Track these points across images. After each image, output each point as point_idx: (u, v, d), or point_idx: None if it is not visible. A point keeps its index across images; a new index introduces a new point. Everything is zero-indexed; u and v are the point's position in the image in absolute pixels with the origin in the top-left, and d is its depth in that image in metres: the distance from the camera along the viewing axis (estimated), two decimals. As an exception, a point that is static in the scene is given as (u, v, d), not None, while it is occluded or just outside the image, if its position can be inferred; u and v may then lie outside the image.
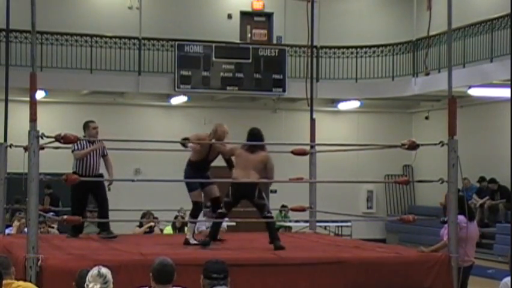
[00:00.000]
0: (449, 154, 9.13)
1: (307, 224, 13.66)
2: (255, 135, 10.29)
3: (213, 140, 10.27)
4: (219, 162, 10.55)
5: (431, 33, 18.50)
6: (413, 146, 9.71)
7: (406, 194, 25.82)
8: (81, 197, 11.10)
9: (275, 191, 24.08)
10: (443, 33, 20.78)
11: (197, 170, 10.41)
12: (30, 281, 7.62)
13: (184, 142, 10.29)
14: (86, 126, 11.20)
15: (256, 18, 25.13)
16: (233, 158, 10.33)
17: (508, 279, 7.50)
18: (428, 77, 21.84)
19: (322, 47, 23.84)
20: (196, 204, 10.53)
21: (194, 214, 10.54)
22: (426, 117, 24.55)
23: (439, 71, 21.60)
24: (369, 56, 24.03)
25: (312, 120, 12.57)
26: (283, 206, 19.21)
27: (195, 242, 10.20)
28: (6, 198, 11.27)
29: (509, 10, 13.60)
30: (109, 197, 11.14)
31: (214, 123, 10.57)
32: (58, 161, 14.03)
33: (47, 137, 8.77)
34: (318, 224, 14.09)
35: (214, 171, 10.69)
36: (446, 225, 9.56)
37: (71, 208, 11.08)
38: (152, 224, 14.56)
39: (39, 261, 7.98)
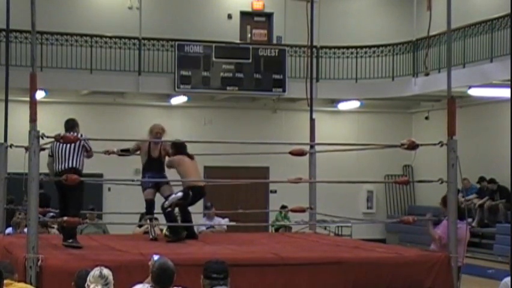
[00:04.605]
0: (449, 154, 9.14)
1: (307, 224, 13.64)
2: (183, 144, 11.32)
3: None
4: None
5: (431, 33, 18.49)
6: (413, 146, 9.73)
7: (406, 194, 25.81)
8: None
9: (275, 191, 24.13)
10: (443, 33, 20.77)
11: (148, 171, 11.25)
12: (30, 282, 7.63)
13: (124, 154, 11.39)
14: (77, 124, 10.37)
15: (256, 18, 25.12)
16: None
17: (508, 279, 7.52)
18: (428, 77, 21.83)
19: (322, 47, 23.84)
20: (147, 202, 11.22)
21: (147, 212, 11.28)
22: (426, 117, 24.54)
23: (439, 71, 21.59)
24: (369, 56, 24.02)
25: (312, 120, 12.58)
26: (283, 207, 19.21)
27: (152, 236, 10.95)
28: (6, 198, 11.28)
29: (509, 10, 13.61)
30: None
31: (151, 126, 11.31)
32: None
33: (47, 137, 8.78)
34: (318, 224, 14.07)
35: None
36: (440, 224, 9.72)
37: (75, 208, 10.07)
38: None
39: (39, 261, 7.98)
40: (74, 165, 9.86)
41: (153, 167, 11.16)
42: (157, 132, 11.12)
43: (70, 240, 9.73)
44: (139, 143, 11.31)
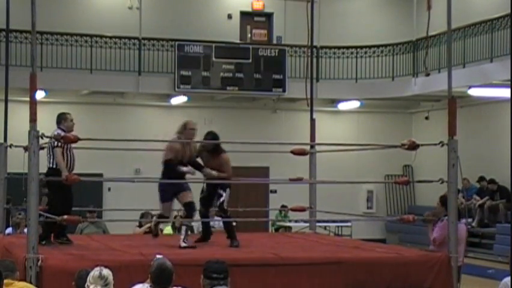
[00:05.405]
0: (449, 154, 9.13)
1: (307, 224, 13.66)
2: (214, 139, 10.36)
3: (183, 138, 9.98)
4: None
5: (431, 33, 18.48)
6: (413, 146, 9.73)
7: (406, 194, 25.81)
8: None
9: (275, 191, 24.13)
10: (443, 33, 20.78)
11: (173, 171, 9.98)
12: (30, 282, 7.62)
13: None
14: (63, 117, 9.93)
15: (256, 18, 25.12)
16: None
17: (508, 279, 7.52)
18: (428, 77, 21.84)
19: (322, 47, 23.84)
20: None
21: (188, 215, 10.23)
22: (426, 117, 24.54)
23: (439, 71, 21.59)
24: (369, 56, 24.02)
25: (312, 120, 12.58)
26: (283, 206, 19.22)
27: (185, 244, 9.92)
28: (6, 198, 11.28)
29: (509, 10, 13.60)
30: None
31: (184, 121, 10.42)
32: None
33: (47, 137, 8.77)
34: (318, 224, 14.09)
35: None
36: (438, 225, 9.73)
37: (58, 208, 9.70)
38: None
39: (39, 261, 7.98)
40: (51, 165, 9.76)
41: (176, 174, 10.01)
42: (191, 128, 9.97)
43: (43, 242, 9.50)
44: (174, 148, 10.04)
